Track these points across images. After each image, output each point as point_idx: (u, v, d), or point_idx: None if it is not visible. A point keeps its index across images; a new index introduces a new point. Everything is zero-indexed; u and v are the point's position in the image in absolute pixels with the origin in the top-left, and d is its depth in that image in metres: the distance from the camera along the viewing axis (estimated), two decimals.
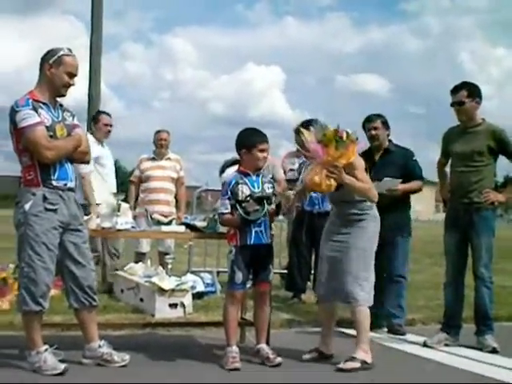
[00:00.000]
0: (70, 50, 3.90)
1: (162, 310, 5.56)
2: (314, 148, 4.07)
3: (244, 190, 4.19)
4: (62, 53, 3.85)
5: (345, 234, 4.25)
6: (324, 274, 4.35)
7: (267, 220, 4.27)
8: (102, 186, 6.24)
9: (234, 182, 4.24)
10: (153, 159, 7.09)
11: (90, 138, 6.30)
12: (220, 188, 4.50)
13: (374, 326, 4.73)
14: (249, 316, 4.79)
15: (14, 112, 3.75)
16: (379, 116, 5.42)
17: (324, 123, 4.18)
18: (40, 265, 3.73)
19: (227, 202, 4.22)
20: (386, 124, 5.42)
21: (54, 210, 3.79)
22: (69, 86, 3.91)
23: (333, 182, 4.04)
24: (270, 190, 4.30)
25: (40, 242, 3.73)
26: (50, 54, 3.87)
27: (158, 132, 7.16)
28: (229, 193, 4.23)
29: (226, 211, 4.22)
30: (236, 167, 4.41)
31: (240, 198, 4.18)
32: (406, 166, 5.33)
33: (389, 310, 5.33)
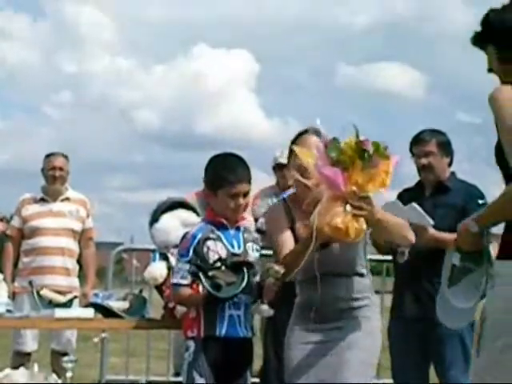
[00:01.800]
0: None
1: None
2: (329, 175, 3.88)
3: (219, 250, 4.21)
4: None
5: (333, 329, 4.25)
6: None
7: (250, 300, 4.30)
8: None
9: (199, 237, 4.24)
10: (41, 201, 7.07)
11: None
12: (150, 246, 4.51)
13: None
14: None
15: None
16: (435, 133, 5.46)
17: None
18: None
19: (187, 267, 4.22)
20: (444, 147, 5.46)
21: None
22: None
23: (363, 225, 3.98)
24: (256, 254, 4.37)
25: None
26: None
27: (48, 156, 7.16)
28: (191, 253, 4.22)
29: (185, 282, 4.21)
30: (177, 214, 4.42)
31: (211, 262, 4.18)
32: (466, 212, 5.33)
33: None
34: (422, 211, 5.14)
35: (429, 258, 5.13)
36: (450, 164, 5.50)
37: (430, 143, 5.41)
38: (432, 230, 5.21)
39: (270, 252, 6.61)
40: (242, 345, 4.29)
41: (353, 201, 3.82)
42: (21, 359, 6.92)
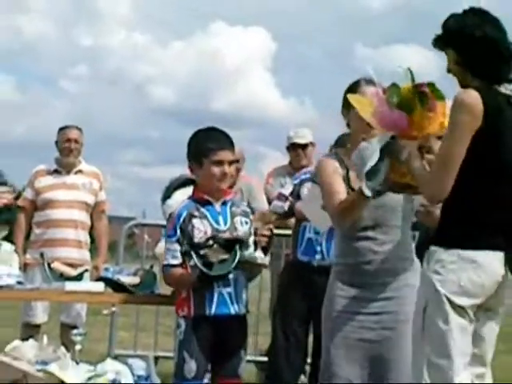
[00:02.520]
0: None
1: None
2: (396, 119, 3.76)
3: (202, 228, 4.21)
4: None
5: (390, 298, 4.19)
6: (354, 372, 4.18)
7: (242, 277, 4.29)
8: None
9: (184, 215, 4.26)
10: (55, 172, 7.08)
11: None
12: (164, 222, 4.49)
13: None
14: None
15: None
16: None
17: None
18: None
19: (176, 246, 4.23)
20: None
21: None
22: None
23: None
24: (245, 228, 4.33)
25: None
26: None
27: (63, 129, 7.15)
28: (178, 232, 4.23)
29: (175, 262, 4.22)
30: (190, 191, 4.43)
31: (196, 241, 4.18)
32: None
33: None
34: None
35: None
36: None
37: None
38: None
39: (282, 232, 6.69)
40: (233, 322, 4.30)
41: (427, 145, 3.80)
42: (30, 331, 6.93)
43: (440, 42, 3.75)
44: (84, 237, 7.04)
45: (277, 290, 6.90)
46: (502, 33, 3.70)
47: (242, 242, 4.24)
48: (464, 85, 3.69)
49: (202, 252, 4.15)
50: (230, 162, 4.29)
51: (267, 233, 4.26)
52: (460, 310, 3.56)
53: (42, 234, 6.95)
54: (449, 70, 3.76)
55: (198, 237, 4.20)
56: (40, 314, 7.00)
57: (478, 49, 3.67)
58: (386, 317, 4.07)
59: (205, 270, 4.14)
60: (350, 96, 4.04)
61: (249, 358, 7.01)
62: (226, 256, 4.17)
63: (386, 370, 4.04)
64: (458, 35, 3.70)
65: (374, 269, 4.11)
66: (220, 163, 4.24)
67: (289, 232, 6.60)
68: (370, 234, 4.12)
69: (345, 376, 4.04)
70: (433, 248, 3.60)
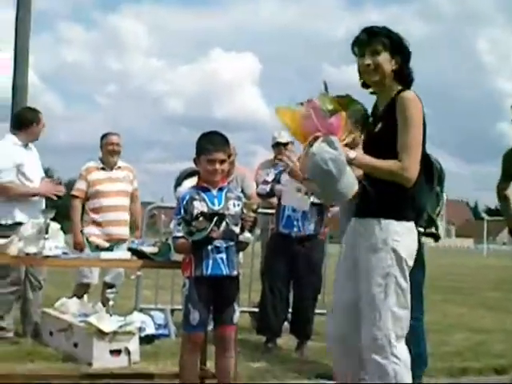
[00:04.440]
0: None
1: (102, 358, 5.52)
2: (333, 122, 3.50)
3: (200, 208, 4.22)
4: None
5: None
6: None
7: (232, 246, 4.29)
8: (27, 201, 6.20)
9: (187, 198, 4.28)
10: (102, 169, 7.15)
11: (13, 139, 6.29)
12: (175, 204, 4.51)
13: None
14: (210, 366, 4.78)
15: None
16: None
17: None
18: None
19: (179, 222, 4.25)
20: None
21: None
22: None
23: None
24: (237, 208, 4.33)
25: None
26: None
27: (106, 135, 7.20)
28: (182, 211, 4.26)
29: (179, 234, 4.24)
30: (196, 179, 4.43)
31: (193, 217, 4.20)
32: None
33: None
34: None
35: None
36: None
37: None
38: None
39: (269, 211, 6.75)
40: (226, 281, 4.29)
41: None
42: (83, 289, 7.08)
43: (367, 44, 3.59)
44: (126, 217, 7.14)
45: (265, 256, 6.95)
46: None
47: (221, 216, 4.21)
48: (367, 86, 3.70)
49: (193, 223, 4.16)
50: (222, 161, 4.27)
51: (251, 219, 4.28)
52: (409, 269, 3.58)
53: (96, 217, 7.00)
54: (359, 70, 3.68)
55: (195, 214, 4.21)
56: (94, 276, 7.08)
57: (409, 56, 3.64)
58: None
59: (186, 236, 4.17)
60: (277, 108, 3.68)
61: (244, 309, 7.06)
62: (205, 225, 4.14)
63: None
64: (398, 42, 3.62)
65: None
66: (213, 161, 4.24)
67: (273, 211, 6.67)
68: None
69: None
70: (385, 221, 3.54)
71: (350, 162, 3.43)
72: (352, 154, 3.45)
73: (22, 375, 4.21)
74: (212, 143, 4.28)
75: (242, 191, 6.26)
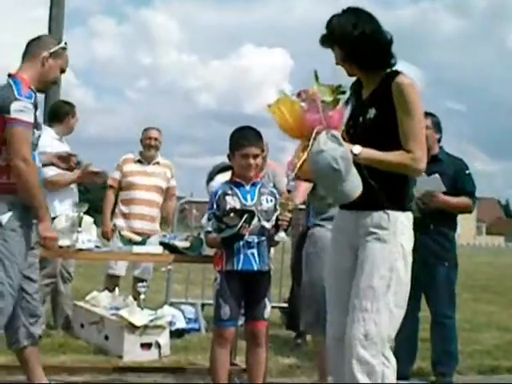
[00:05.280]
0: (66, 44, 4.15)
1: (132, 351, 5.55)
2: (338, 115, 3.35)
3: (232, 203, 4.22)
4: (62, 45, 4.09)
5: None
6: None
7: (264, 241, 4.27)
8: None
9: (220, 193, 4.28)
10: (139, 162, 7.14)
11: (50, 132, 6.31)
12: (207, 200, 4.50)
13: None
14: (241, 360, 4.78)
15: (11, 96, 3.77)
16: (430, 114, 5.34)
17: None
18: (9, 291, 3.77)
19: (212, 217, 4.24)
20: (437, 125, 5.43)
21: (31, 226, 3.86)
22: (55, 83, 4.16)
23: None
24: (270, 204, 4.32)
25: (14, 264, 3.78)
26: (49, 42, 4.07)
27: (146, 130, 7.21)
28: (214, 206, 4.25)
29: (211, 229, 4.24)
30: (228, 174, 4.42)
31: (225, 212, 4.18)
32: (456, 180, 5.33)
33: (434, 358, 5.30)
34: (441, 181, 5.17)
35: (437, 215, 5.24)
36: (439, 140, 5.46)
37: (426, 119, 5.33)
38: (442, 196, 5.21)
39: (301, 206, 6.70)
40: (257, 276, 4.28)
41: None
42: (112, 281, 7.09)
43: (326, 41, 3.48)
44: (156, 213, 7.10)
45: (294, 250, 6.90)
46: (377, 25, 3.42)
47: (252, 213, 4.17)
48: (351, 74, 3.48)
49: (224, 220, 4.15)
50: (255, 156, 4.25)
51: (287, 219, 4.23)
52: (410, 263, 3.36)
53: (128, 210, 7.02)
54: (337, 63, 3.49)
55: (227, 209, 4.19)
56: (119, 268, 7.09)
57: (360, 45, 3.35)
58: None
59: (215, 233, 4.19)
60: (279, 98, 3.41)
61: (274, 304, 7.04)
62: (235, 222, 4.12)
63: None
64: (341, 34, 3.40)
65: None
66: (246, 156, 4.23)
67: (304, 207, 6.61)
68: None
69: None
70: (392, 213, 3.31)
71: (354, 157, 3.21)
72: (356, 149, 3.24)
73: (53, 366, 4.23)
74: (246, 138, 4.26)
75: (274, 187, 6.22)
